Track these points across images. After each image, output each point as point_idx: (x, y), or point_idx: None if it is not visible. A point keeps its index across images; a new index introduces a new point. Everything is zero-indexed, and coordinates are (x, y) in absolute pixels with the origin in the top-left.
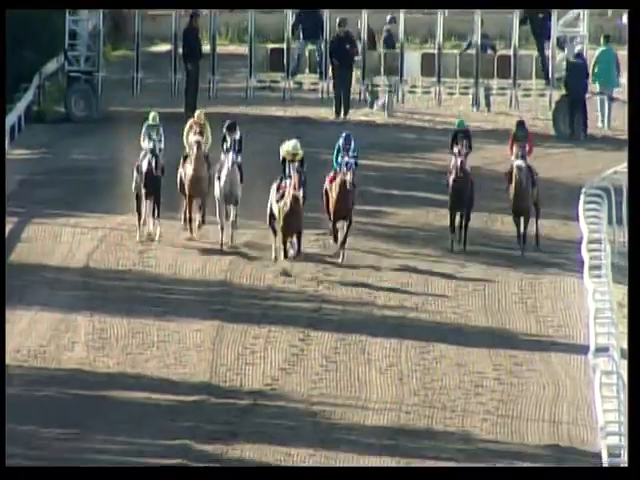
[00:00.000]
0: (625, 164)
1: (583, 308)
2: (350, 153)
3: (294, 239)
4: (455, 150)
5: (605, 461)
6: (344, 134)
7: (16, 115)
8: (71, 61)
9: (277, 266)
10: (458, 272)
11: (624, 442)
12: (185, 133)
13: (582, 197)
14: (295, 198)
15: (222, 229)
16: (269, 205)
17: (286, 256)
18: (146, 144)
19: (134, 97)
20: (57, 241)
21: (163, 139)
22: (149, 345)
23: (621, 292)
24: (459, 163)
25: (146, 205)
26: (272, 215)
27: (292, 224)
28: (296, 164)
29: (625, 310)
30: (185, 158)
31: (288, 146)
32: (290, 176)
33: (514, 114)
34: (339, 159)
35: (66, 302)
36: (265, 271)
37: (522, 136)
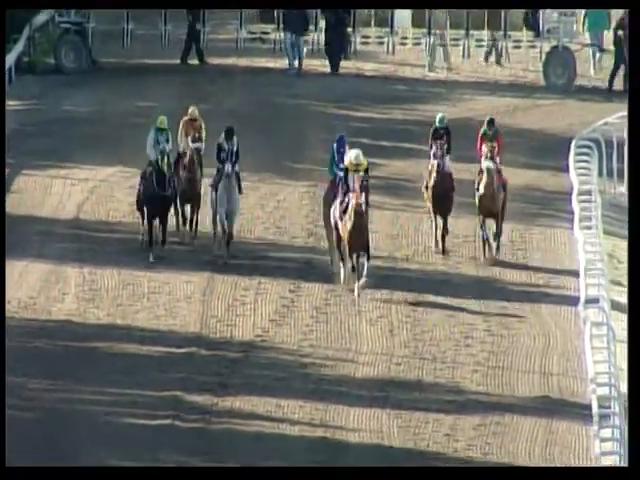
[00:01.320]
0: (616, 115)
1: (573, 259)
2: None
3: (362, 262)
4: (432, 151)
5: (595, 412)
6: (337, 136)
7: (6, 66)
8: (61, 12)
9: (345, 286)
10: (449, 224)
11: (614, 393)
12: (180, 132)
13: (572, 148)
14: (358, 214)
15: (215, 241)
16: (332, 221)
17: (354, 270)
18: (152, 153)
19: (124, 49)
20: (47, 192)
21: (171, 141)
22: (139, 297)
23: (611, 243)
24: (436, 166)
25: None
26: (338, 235)
27: (357, 242)
28: (360, 174)
29: (615, 262)
30: (178, 160)
31: (350, 156)
32: (354, 189)
33: (506, 65)
34: (335, 169)
35: (56, 254)
36: (255, 223)
37: (491, 135)
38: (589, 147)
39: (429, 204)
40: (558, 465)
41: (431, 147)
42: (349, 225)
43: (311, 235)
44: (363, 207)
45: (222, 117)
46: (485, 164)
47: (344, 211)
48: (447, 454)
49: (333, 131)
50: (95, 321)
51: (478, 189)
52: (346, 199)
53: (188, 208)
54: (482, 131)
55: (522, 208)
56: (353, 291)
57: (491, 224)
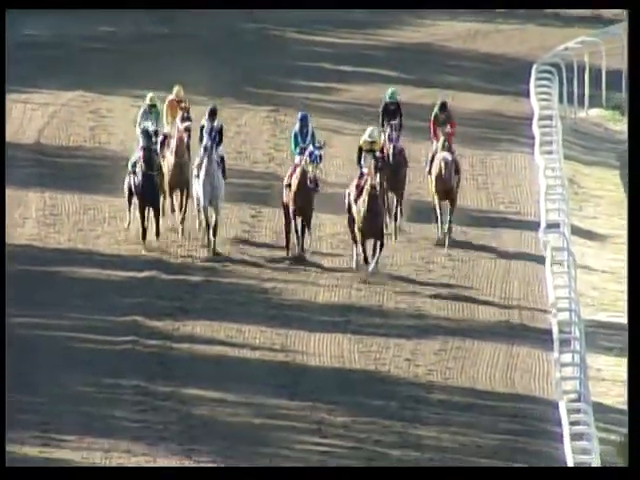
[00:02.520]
0: (576, 40)
1: (534, 184)
2: (310, 140)
3: (374, 248)
4: (385, 136)
5: (555, 337)
6: (299, 115)
7: None
8: None
9: (357, 274)
10: (407, 148)
11: (574, 318)
12: (165, 113)
13: (533, 73)
14: (373, 197)
15: (204, 230)
16: (346, 205)
17: (366, 262)
18: (142, 136)
19: None
20: (7, 117)
21: (161, 118)
22: (100, 221)
23: (571, 168)
24: (391, 149)
25: (144, 211)
26: (351, 217)
27: (370, 227)
28: (376, 154)
29: (575, 187)
30: (164, 142)
31: (365, 134)
32: (368, 170)
33: None
34: (298, 149)
35: (17, 178)
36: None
37: (444, 119)
38: (550, 72)
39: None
40: (519, 390)
41: (382, 123)
42: (363, 209)
43: (272, 160)
44: (378, 189)
45: (184, 41)
46: (441, 155)
47: (359, 194)
48: (408, 379)
49: (295, 57)
50: (56, 246)
51: (431, 173)
52: (361, 182)
53: (177, 195)
54: (434, 114)
55: (483, 133)
56: (364, 279)
57: (444, 206)
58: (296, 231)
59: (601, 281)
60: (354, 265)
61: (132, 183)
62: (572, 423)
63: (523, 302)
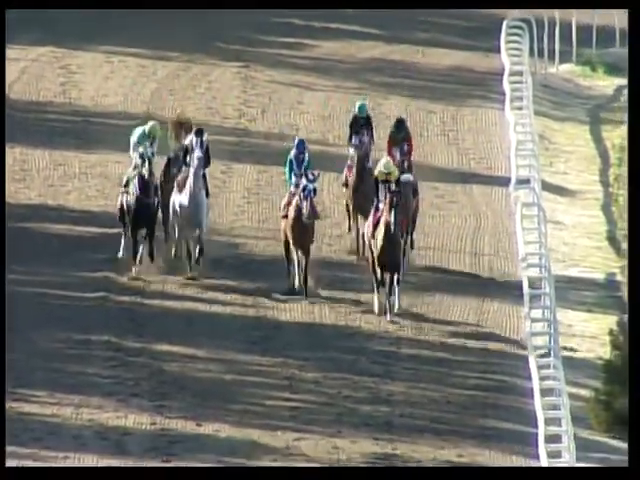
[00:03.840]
0: None
1: (504, 140)
2: (304, 168)
3: (391, 282)
4: (352, 151)
5: (526, 293)
6: (296, 140)
7: None
8: None
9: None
10: (379, 104)
11: (545, 274)
12: (169, 136)
13: (504, 29)
14: (389, 228)
15: (181, 255)
16: (366, 237)
17: (389, 303)
18: (136, 156)
19: None
20: None
21: (155, 145)
22: (70, 177)
23: (542, 124)
24: (359, 166)
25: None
26: (370, 253)
27: (386, 261)
28: (391, 186)
29: (546, 142)
30: (168, 165)
31: (380, 165)
32: (384, 204)
33: None
34: (293, 176)
35: None
36: (187, 103)
37: (401, 138)
38: (520, 28)
39: (349, 202)
40: (489, 345)
41: (350, 138)
42: (379, 244)
43: (242, 116)
44: (393, 227)
45: None
46: (403, 178)
47: (375, 226)
48: (378, 334)
49: (267, 12)
50: (26, 201)
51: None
52: (378, 214)
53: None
54: (390, 132)
55: (453, 89)
56: (388, 318)
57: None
58: (299, 263)
59: (571, 237)
60: (376, 309)
61: (125, 203)
62: (542, 378)
63: (493, 258)
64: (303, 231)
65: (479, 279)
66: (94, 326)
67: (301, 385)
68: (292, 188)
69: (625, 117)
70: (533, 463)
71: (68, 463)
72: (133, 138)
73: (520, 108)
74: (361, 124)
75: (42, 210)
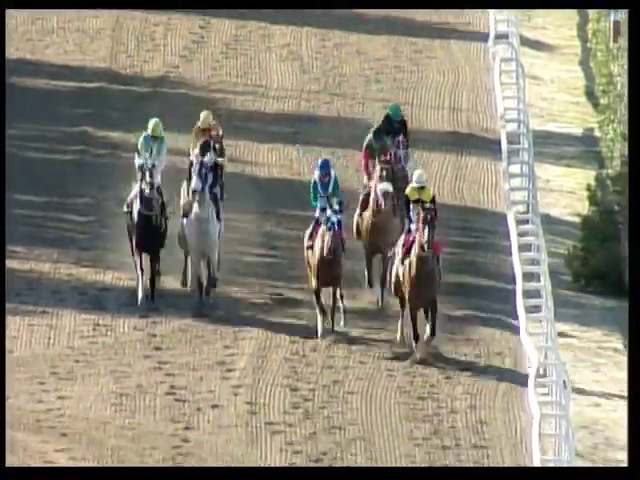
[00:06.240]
0: None
1: None
2: (331, 191)
3: (427, 317)
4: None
5: (504, 148)
6: (320, 162)
7: None
8: None
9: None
10: None
11: (523, 129)
12: (192, 144)
13: None
14: (421, 259)
15: (190, 288)
16: (394, 267)
17: (417, 339)
18: (136, 166)
19: None
20: None
21: (164, 153)
22: (49, 32)
23: None
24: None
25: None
26: (398, 281)
27: (420, 294)
28: (427, 205)
29: None
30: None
31: (412, 181)
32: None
33: None
34: (319, 199)
35: None
36: None
37: (379, 149)
38: None
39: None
40: (467, 202)
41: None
42: (411, 273)
43: None
44: (427, 252)
45: None
46: (380, 186)
47: (406, 253)
48: (357, 187)
49: None
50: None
51: (362, 215)
52: (409, 239)
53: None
54: (367, 143)
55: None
56: (419, 359)
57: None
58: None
59: (550, 92)
60: (398, 339)
61: (129, 223)
62: (520, 234)
63: (472, 113)
64: (328, 266)
65: (457, 134)
66: (72, 181)
67: (278, 242)
68: (317, 213)
69: None
70: (511, 321)
71: (46, 318)
72: (137, 148)
73: None
74: (396, 128)
75: (20, 65)
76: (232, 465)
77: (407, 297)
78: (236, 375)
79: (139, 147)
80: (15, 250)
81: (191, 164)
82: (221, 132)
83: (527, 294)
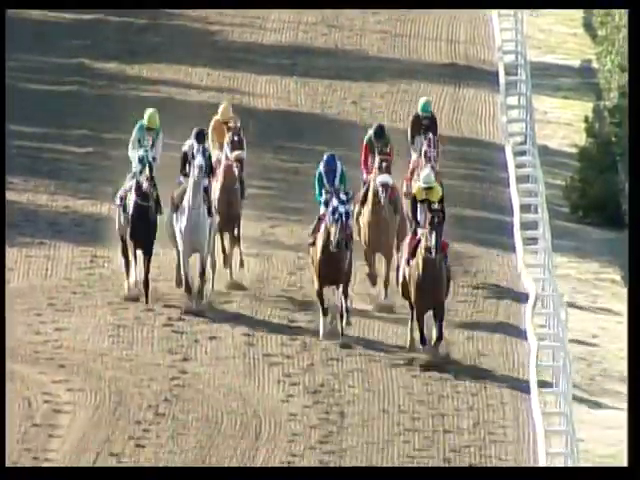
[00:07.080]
0: None
1: None
2: (337, 185)
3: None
4: (416, 154)
5: (502, 80)
6: (325, 156)
7: None
8: None
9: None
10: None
11: (520, 60)
12: (210, 138)
13: None
14: (427, 261)
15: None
16: (401, 269)
17: (423, 342)
18: (135, 159)
19: None
20: None
21: (160, 147)
22: None
23: None
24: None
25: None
26: (404, 283)
27: (426, 295)
28: (434, 206)
29: None
30: (210, 173)
31: (420, 180)
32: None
33: None
34: (324, 193)
35: None
36: None
37: (381, 146)
38: None
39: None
40: (465, 133)
41: (412, 139)
42: (417, 275)
43: None
44: (434, 253)
45: None
46: (380, 179)
47: (412, 254)
48: (354, 122)
49: None
50: None
51: (362, 214)
52: (414, 241)
53: (227, 239)
54: (367, 139)
55: None
56: (426, 364)
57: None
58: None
59: (547, 23)
60: (407, 345)
61: (121, 218)
62: (518, 166)
63: (469, 45)
64: (333, 263)
65: (455, 66)
66: (70, 112)
67: (276, 174)
68: (321, 208)
69: None
70: (509, 255)
71: (43, 249)
72: (131, 139)
73: None
74: (425, 124)
75: None
76: (229, 395)
77: (413, 299)
78: (233, 307)
79: (133, 137)
80: (12, 182)
81: (184, 155)
82: (239, 124)
83: (525, 226)
